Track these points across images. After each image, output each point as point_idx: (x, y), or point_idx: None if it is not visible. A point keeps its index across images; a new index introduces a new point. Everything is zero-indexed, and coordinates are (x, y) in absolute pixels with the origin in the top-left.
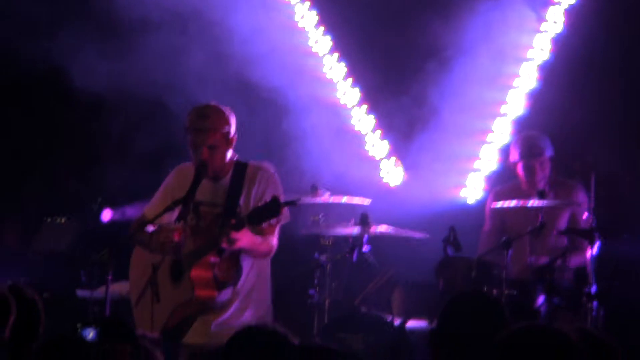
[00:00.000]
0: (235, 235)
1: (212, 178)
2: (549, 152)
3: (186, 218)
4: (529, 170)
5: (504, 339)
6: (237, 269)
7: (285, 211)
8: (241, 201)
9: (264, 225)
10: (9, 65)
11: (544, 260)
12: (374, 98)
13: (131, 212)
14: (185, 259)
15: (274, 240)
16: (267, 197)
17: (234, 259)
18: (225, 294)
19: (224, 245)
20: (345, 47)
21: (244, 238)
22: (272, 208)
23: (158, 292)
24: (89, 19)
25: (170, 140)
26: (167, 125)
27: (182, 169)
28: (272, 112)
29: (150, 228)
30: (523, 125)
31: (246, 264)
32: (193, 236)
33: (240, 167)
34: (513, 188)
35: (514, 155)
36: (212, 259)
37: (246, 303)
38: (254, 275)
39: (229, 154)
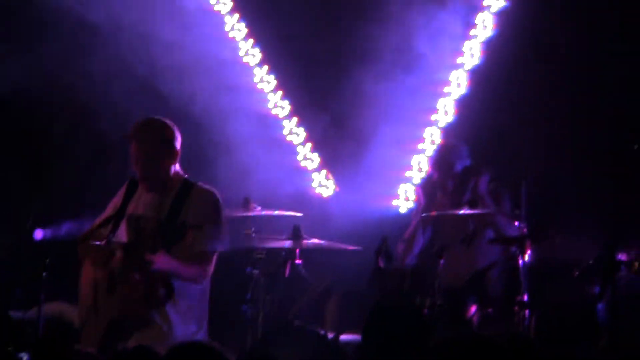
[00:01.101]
0: (150, 257)
1: (155, 192)
2: (459, 165)
3: (114, 232)
4: (443, 187)
5: (432, 350)
6: (168, 288)
7: (225, 239)
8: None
9: (200, 250)
10: None
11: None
12: (304, 109)
13: (64, 229)
14: (117, 274)
15: (208, 267)
16: (207, 224)
17: (165, 277)
18: (157, 311)
19: (139, 268)
20: (275, 58)
21: (159, 261)
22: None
23: (97, 306)
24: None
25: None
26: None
27: (131, 184)
28: (202, 124)
29: (97, 243)
30: (452, 133)
31: (178, 286)
32: (125, 250)
33: (187, 186)
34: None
35: (432, 174)
36: (139, 276)
37: (181, 320)
38: (190, 294)
39: (174, 168)
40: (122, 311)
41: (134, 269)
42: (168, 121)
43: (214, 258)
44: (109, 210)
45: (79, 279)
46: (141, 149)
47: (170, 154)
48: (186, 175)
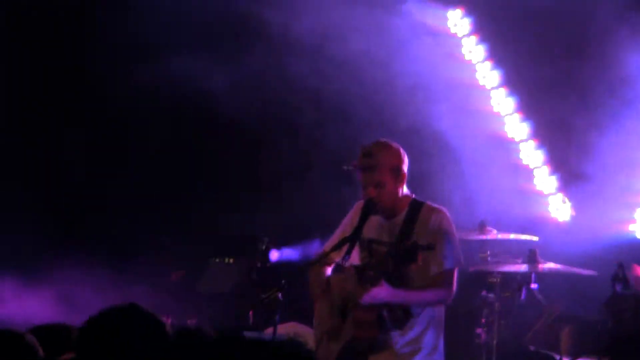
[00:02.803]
0: (372, 292)
1: (386, 216)
2: None
3: (360, 251)
4: None
5: None
6: (406, 313)
7: (459, 256)
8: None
9: (440, 271)
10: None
11: None
12: (541, 132)
13: (297, 252)
14: (351, 297)
15: (451, 287)
16: (441, 243)
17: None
18: (392, 336)
19: (363, 300)
20: (514, 80)
21: (382, 292)
22: (410, 252)
23: (332, 331)
24: None
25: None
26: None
27: (359, 206)
28: (438, 149)
29: (329, 269)
30: None
31: (416, 307)
32: (362, 275)
33: (415, 206)
34: None
35: None
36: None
37: (415, 347)
38: (426, 320)
39: (401, 190)
40: (351, 335)
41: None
42: (393, 145)
43: (455, 276)
44: (338, 234)
45: (313, 303)
46: (368, 177)
47: (397, 179)
48: (413, 196)
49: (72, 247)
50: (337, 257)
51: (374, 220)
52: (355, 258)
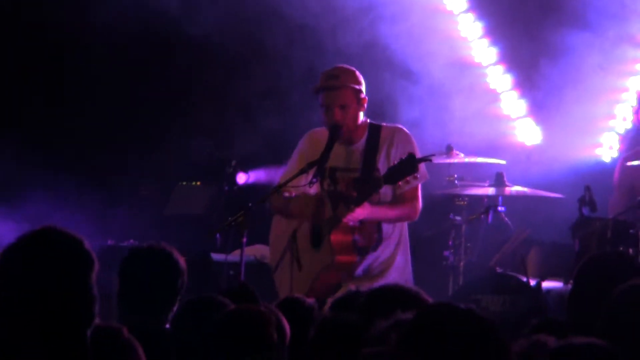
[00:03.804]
0: (353, 209)
1: (345, 142)
2: None
3: (321, 179)
4: None
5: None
6: (379, 234)
7: (423, 170)
8: (380, 164)
9: (406, 189)
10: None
11: None
12: (510, 57)
13: (265, 175)
14: (324, 224)
15: (417, 203)
16: (400, 157)
17: (376, 224)
18: (367, 259)
19: (345, 219)
20: (482, 6)
21: (364, 211)
22: (408, 165)
23: (299, 259)
24: None
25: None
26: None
27: (314, 134)
28: (404, 73)
29: (286, 194)
30: None
31: (387, 228)
32: (331, 201)
33: (374, 130)
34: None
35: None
36: (352, 223)
37: (389, 269)
38: (395, 241)
39: (361, 115)
40: (329, 261)
41: (341, 220)
42: (354, 69)
43: (420, 190)
44: (292, 164)
45: (271, 227)
46: (334, 98)
47: (359, 103)
48: (369, 120)
49: (44, 171)
50: (299, 184)
51: (336, 148)
52: (313, 188)
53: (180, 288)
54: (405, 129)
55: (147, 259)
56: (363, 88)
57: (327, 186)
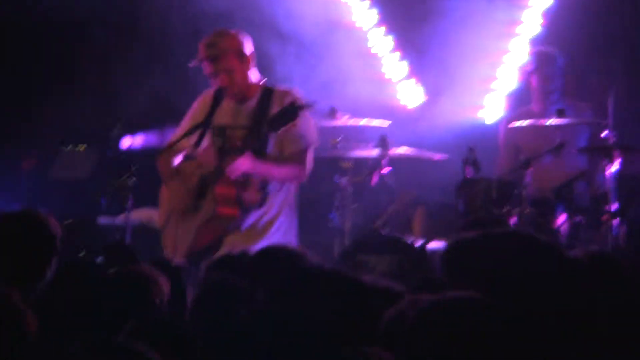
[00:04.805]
0: (238, 160)
1: (238, 101)
2: (561, 61)
3: (212, 137)
4: (544, 78)
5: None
6: (264, 192)
7: (314, 135)
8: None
9: (295, 150)
10: None
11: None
12: (391, 19)
13: (150, 138)
14: (210, 176)
15: (305, 165)
16: (295, 122)
17: (260, 182)
18: (250, 217)
19: (229, 171)
20: None
21: (247, 163)
22: (290, 113)
23: (185, 217)
24: None
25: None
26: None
27: (207, 95)
28: (287, 36)
29: (179, 157)
30: (538, 44)
31: (273, 187)
32: (220, 157)
33: (267, 91)
34: (524, 112)
35: (530, 64)
36: (235, 175)
37: (271, 228)
38: (279, 202)
39: (253, 75)
40: (211, 212)
41: (224, 170)
42: (232, 31)
43: (310, 155)
44: (185, 123)
45: (160, 191)
46: (217, 66)
47: (243, 63)
48: (264, 80)
49: None
50: (187, 145)
51: (226, 107)
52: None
53: (51, 255)
54: (296, 91)
55: (11, 225)
56: (246, 47)
57: (217, 142)
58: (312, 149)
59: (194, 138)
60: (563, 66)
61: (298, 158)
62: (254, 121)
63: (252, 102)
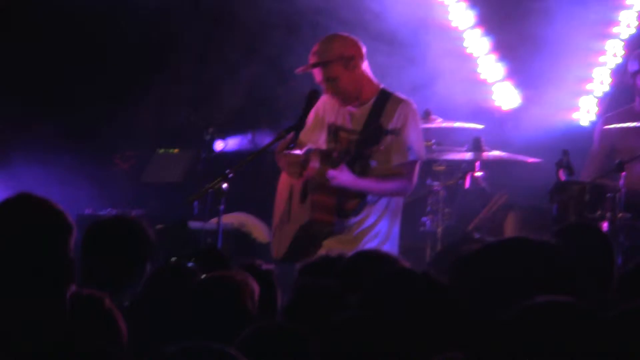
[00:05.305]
0: (332, 173)
1: (353, 105)
2: None
3: (327, 137)
4: None
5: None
6: (362, 200)
7: (423, 148)
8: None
9: (403, 163)
10: None
11: None
12: (487, 21)
13: (243, 142)
14: (311, 181)
15: (412, 180)
16: (406, 132)
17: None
18: (347, 222)
19: (324, 180)
20: None
21: (342, 176)
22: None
23: (290, 215)
24: None
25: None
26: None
27: (326, 96)
28: (384, 38)
29: (297, 151)
30: (635, 45)
31: (372, 197)
32: (326, 159)
33: (383, 97)
34: (626, 112)
35: (632, 66)
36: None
37: (368, 234)
38: (381, 209)
39: (364, 79)
40: (308, 218)
41: (320, 180)
42: (340, 36)
43: (417, 169)
44: (311, 118)
45: (276, 189)
46: (321, 74)
47: (349, 69)
48: (382, 85)
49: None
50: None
51: (342, 108)
52: (323, 145)
53: (145, 260)
54: (412, 103)
55: (109, 231)
56: (353, 51)
57: (329, 145)
58: (420, 163)
59: (317, 135)
60: None
61: (405, 171)
62: (366, 124)
63: (367, 107)
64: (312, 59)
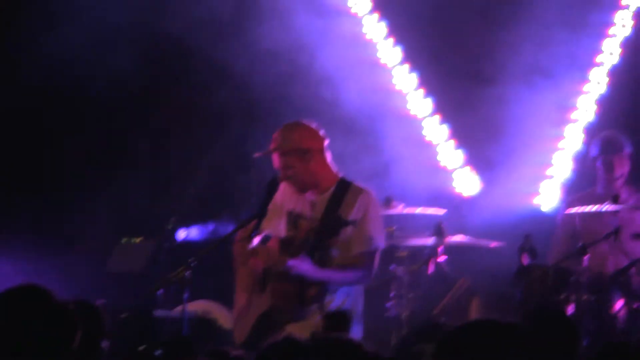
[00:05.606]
0: (292, 262)
1: (311, 193)
2: (628, 149)
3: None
4: (608, 165)
5: None
6: (322, 286)
7: (383, 238)
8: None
9: (360, 251)
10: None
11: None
12: (445, 108)
13: (205, 230)
14: (271, 270)
15: (371, 267)
16: (366, 223)
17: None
18: (309, 309)
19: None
20: (415, 58)
21: (302, 266)
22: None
23: (250, 303)
24: None
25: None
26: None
27: (284, 184)
28: (341, 125)
29: (257, 239)
30: (594, 131)
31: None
32: (286, 247)
33: (342, 186)
34: (588, 195)
35: (593, 151)
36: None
37: None
38: (344, 293)
39: (325, 167)
40: (269, 305)
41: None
42: (299, 127)
43: (377, 258)
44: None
45: (234, 279)
46: (277, 160)
47: (304, 159)
48: (341, 175)
49: None
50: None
51: (302, 196)
52: (282, 231)
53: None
54: (372, 192)
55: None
56: (312, 142)
57: (289, 232)
58: (380, 252)
59: (275, 222)
60: (630, 152)
61: (365, 260)
62: (325, 213)
63: (326, 196)
64: (272, 145)
